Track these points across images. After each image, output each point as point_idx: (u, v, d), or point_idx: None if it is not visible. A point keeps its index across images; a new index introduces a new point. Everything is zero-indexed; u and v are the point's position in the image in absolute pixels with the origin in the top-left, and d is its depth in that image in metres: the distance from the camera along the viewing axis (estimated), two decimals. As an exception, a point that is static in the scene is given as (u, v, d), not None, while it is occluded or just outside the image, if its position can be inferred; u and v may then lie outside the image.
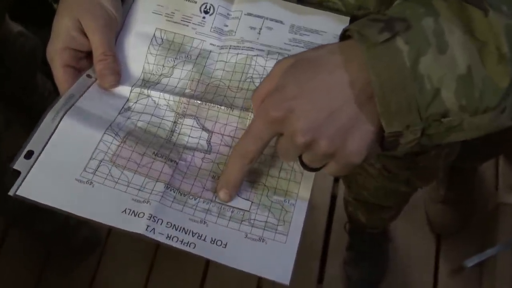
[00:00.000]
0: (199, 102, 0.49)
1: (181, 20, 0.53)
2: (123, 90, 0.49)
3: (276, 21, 0.53)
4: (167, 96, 0.49)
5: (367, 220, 1.16)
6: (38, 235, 1.31)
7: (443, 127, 0.36)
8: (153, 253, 1.38)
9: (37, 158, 0.43)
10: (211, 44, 0.53)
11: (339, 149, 0.38)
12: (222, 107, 0.48)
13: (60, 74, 0.47)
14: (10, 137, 1.34)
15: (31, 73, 1.16)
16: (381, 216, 1.13)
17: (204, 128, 0.48)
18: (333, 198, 1.42)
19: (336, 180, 1.43)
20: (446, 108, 0.35)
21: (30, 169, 0.42)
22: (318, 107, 0.37)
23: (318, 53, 0.39)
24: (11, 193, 0.41)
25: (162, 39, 0.52)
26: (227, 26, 0.54)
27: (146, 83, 0.50)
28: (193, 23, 0.53)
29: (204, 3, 0.53)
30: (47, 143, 0.44)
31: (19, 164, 0.42)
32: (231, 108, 0.48)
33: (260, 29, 0.53)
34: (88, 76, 0.49)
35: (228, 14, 0.54)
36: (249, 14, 0.53)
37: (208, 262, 1.36)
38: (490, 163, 1.41)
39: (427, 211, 1.38)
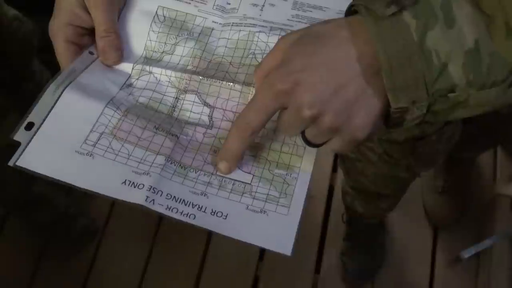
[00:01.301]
0: (201, 77, 0.49)
1: None
2: (125, 66, 0.49)
3: None
4: (169, 72, 0.49)
5: (365, 210, 1.16)
6: (37, 224, 1.31)
7: (449, 103, 0.36)
8: (151, 243, 1.38)
9: (37, 130, 0.43)
10: (213, 21, 0.53)
11: (344, 124, 0.37)
12: (224, 82, 0.48)
13: (62, 49, 0.47)
14: (7, 126, 1.34)
15: (26, 59, 1.15)
16: (378, 206, 1.13)
17: (205, 104, 0.48)
18: (331, 188, 1.42)
19: (334, 170, 1.44)
20: (453, 83, 0.35)
21: (31, 140, 0.42)
22: (325, 80, 0.37)
23: (325, 27, 0.38)
24: (11, 163, 0.41)
25: (165, 17, 0.52)
26: (229, 4, 0.54)
27: (148, 60, 0.50)
28: (195, 1, 0.53)
29: None
30: (47, 115, 0.44)
31: (19, 135, 0.42)
32: (233, 83, 0.48)
33: (263, 5, 0.53)
34: (90, 53, 0.49)
35: None
36: None
37: (206, 251, 1.36)
38: (488, 154, 1.41)
39: (424, 202, 1.38)
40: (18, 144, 0.42)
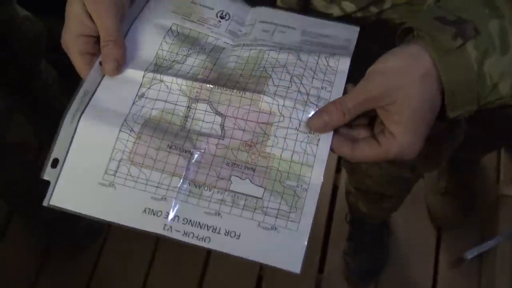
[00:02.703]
0: (212, 86, 0.49)
1: (198, 21, 0.55)
2: (136, 74, 0.50)
3: (289, 27, 0.55)
4: (179, 80, 0.50)
5: (368, 211, 1.16)
6: (41, 222, 1.31)
7: (495, 104, 0.42)
8: (154, 242, 1.39)
9: (62, 166, 0.45)
10: (225, 42, 0.54)
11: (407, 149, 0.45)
12: (235, 91, 0.49)
13: (78, 62, 0.48)
14: (14, 124, 1.35)
15: (35, 59, 1.16)
16: (382, 207, 1.13)
17: (217, 112, 0.49)
18: (335, 188, 1.42)
19: (337, 170, 1.44)
20: (501, 96, 0.41)
21: (58, 177, 0.44)
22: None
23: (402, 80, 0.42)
24: (45, 203, 0.44)
25: (178, 32, 0.53)
26: (241, 31, 0.55)
27: (159, 68, 0.51)
28: (209, 24, 0.55)
29: (220, 10, 0.55)
30: (69, 148, 0.45)
31: (48, 174, 0.45)
32: (243, 91, 0.48)
33: (273, 31, 0.54)
34: (101, 64, 0.49)
35: (242, 22, 0.56)
36: (263, 22, 0.55)
37: (209, 251, 1.36)
38: (492, 156, 1.41)
39: (427, 203, 1.38)
40: (47, 183, 0.44)
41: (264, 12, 0.56)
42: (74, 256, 1.37)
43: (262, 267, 1.34)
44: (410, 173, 0.87)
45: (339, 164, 1.44)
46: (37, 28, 1.09)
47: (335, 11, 0.55)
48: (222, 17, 0.55)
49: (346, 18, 0.55)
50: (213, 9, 0.55)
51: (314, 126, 0.45)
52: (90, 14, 0.47)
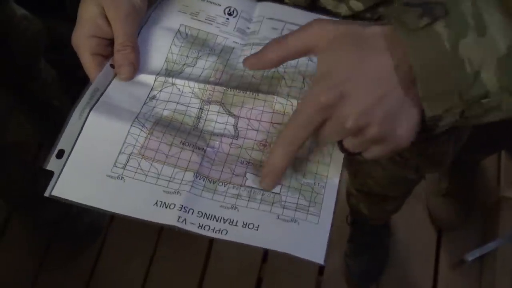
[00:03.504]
0: (224, 88, 0.49)
1: (205, 19, 0.54)
2: (147, 78, 0.50)
3: (297, 24, 0.54)
4: (192, 84, 0.49)
5: (369, 212, 1.16)
6: (41, 223, 1.31)
7: (482, 108, 0.37)
8: (154, 242, 1.38)
9: (68, 157, 0.43)
10: (234, 42, 0.53)
11: (389, 134, 0.38)
12: (248, 92, 0.48)
13: (88, 62, 0.47)
14: (13, 123, 1.34)
15: (34, 58, 1.15)
16: (383, 208, 1.13)
17: (230, 113, 0.48)
18: (335, 190, 1.41)
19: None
20: (486, 90, 0.35)
21: (63, 168, 0.43)
22: (368, 91, 0.37)
23: (363, 32, 0.38)
24: (46, 194, 0.42)
25: (187, 34, 0.53)
26: (249, 28, 0.55)
27: (170, 72, 0.50)
28: (217, 23, 0.54)
29: (228, 7, 0.55)
30: (76, 140, 0.44)
31: (52, 164, 0.43)
32: (256, 92, 0.48)
33: (282, 29, 0.54)
34: (112, 66, 0.49)
35: (250, 18, 0.55)
36: (271, 18, 0.54)
37: (209, 252, 1.36)
38: (492, 158, 1.41)
39: (428, 205, 1.38)
40: (51, 173, 0.43)
41: (271, 8, 0.55)
42: (74, 256, 1.37)
43: (261, 269, 1.34)
44: (414, 174, 0.87)
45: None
46: (35, 27, 1.08)
47: (343, 10, 0.54)
48: (229, 14, 0.54)
49: (355, 18, 0.55)
50: (220, 5, 0.55)
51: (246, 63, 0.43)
52: (108, 18, 0.47)
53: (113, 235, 1.40)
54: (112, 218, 1.41)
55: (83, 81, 0.48)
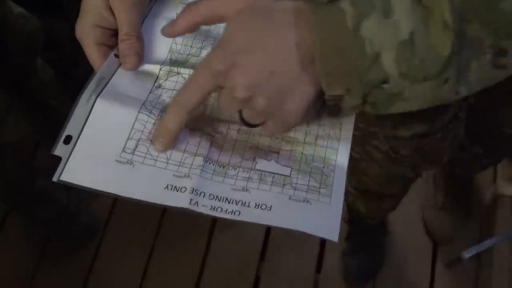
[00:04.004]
0: None
1: None
2: (152, 68, 0.50)
3: None
4: None
5: (366, 210, 1.16)
6: (39, 221, 1.31)
7: (384, 94, 0.36)
8: (152, 242, 1.38)
9: (76, 142, 0.44)
10: None
11: (276, 109, 0.38)
12: None
13: (92, 52, 0.47)
14: (11, 122, 1.34)
15: (30, 57, 1.15)
16: (380, 206, 1.13)
17: None
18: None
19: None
20: (385, 74, 0.35)
21: (71, 153, 0.43)
22: (261, 64, 0.37)
23: (272, 6, 0.38)
24: (54, 178, 0.42)
25: None
26: None
27: (175, 62, 0.51)
28: None
29: None
30: (84, 126, 0.44)
31: (59, 149, 0.43)
32: None
33: None
34: (116, 55, 0.49)
35: None
36: None
37: (207, 251, 1.37)
38: (489, 155, 1.41)
39: (424, 218, 1.38)
40: (59, 159, 0.43)
41: None
42: (72, 254, 1.37)
43: (259, 267, 1.34)
44: (410, 171, 0.87)
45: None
46: (32, 25, 1.08)
47: None
48: None
49: None
50: None
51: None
52: (113, 8, 0.47)
53: (110, 233, 1.40)
54: (110, 216, 1.41)
55: (80, 80, 0.48)
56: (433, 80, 0.35)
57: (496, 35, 0.34)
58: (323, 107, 0.40)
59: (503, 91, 0.81)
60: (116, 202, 1.41)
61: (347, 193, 1.16)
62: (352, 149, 0.94)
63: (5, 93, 1.20)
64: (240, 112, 0.42)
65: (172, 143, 0.44)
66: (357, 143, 0.88)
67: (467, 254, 1.26)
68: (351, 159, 0.96)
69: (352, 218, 1.31)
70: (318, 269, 1.34)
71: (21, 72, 1.16)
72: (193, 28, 0.43)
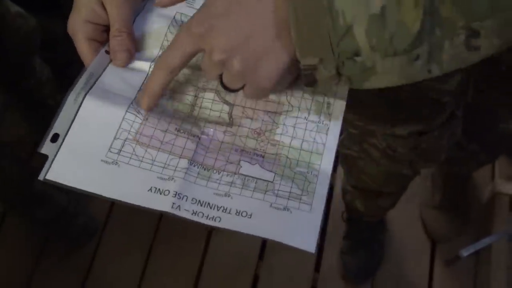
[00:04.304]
0: None
1: None
2: (143, 65, 0.50)
3: None
4: (186, 71, 0.49)
5: (365, 209, 1.16)
6: (37, 221, 1.31)
7: (358, 67, 0.37)
8: (150, 241, 1.38)
9: (63, 141, 0.43)
10: None
11: (250, 71, 0.40)
12: None
13: (83, 47, 0.48)
14: (8, 122, 1.34)
15: (28, 56, 1.15)
16: (378, 205, 1.13)
17: (225, 101, 0.48)
18: (330, 187, 1.42)
19: (333, 169, 1.43)
20: (357, 46, 0.36)
21: (57, 152, 0.43)
22: (237, 28, 0.39)
23: None
24: (40, 177, 0.42)
25: (182, 21, 0.53)
26: None
27: None
28: None
29: None
30: (71, 124, 0.44)
31: (46, 148, 0.43)
32: None
33: None
34: (107, 52, 0.49)
35: None
36: None
37: (205, 250, 1.37)
38: (487, 154, 1.41)
39: (422, 217, 1.39)
40: (45, 157, 0.42)
41: None
42: (70, 256, 1.36)
43: (258, 266, 1.34)
44: (408, 169, 0.87)
45: (335, 163, 1.43)
46: (30, 24, 1.08)
47: None
48: None
49: None
50: None
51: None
52: (105, 4, 0.47)
53: (109, 233, 1.40)
54: (108, 216, 1.41)
55: (74, 80, 0.48)
56: (403, 55, 0.36)
57: (468, 16, 0.35)
58: (299, 77, 0.42)
59: (502, 91, 0.81)
60: (114, 202, 1.40)
61: (345, 192, 1.17)
62: (349, 148, 0.95)
63: (3, 92, 1.20)
64: (220, 76, 0.43)
65: (156, 101, 0.46)
66: (354, 141, 0.88)
67: (465, 252, 1.26)
68: (349, 158, 0.97)
69: (350, 216, 1.31)
70: (317, 268, 1.35)
71: (19, 71, 1.16)
72: None
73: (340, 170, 1.37)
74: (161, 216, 1.40)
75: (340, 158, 1.01)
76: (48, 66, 1.25)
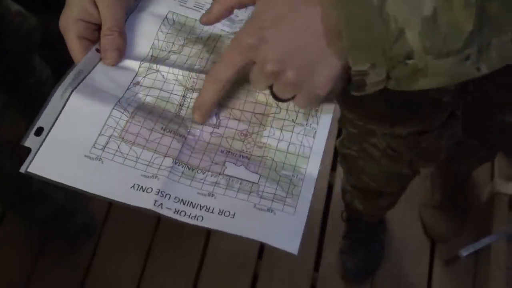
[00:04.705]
0: None
1: (194, 6, 0.54)
2: (132, 64, 0.50)
3: None
4: (176, 70, 0.49)
5: (364, 209, 1.16)
6: (36, 219, 1.30)
7: (408, 69, 0.38)
8: (150, 240, 1.38)
9: (47, 135, 0.43)
10: (221, 29, 0.53)
11: (305, 81, 0.40)
12: None
13: (74, 45, 0.47)
14: (8, 121, 1.33)
15: (28, 55, 1.14)
16: (378, 204, 1.13)
17: None
18: (330, 186, 1.42)
19: (333, 169, 1.44)
20: (410, 49, 0.36)
21: (41, 146, 0.43)
22: (289, 39, 0.39)
23: None
24: (22, 170, 0.41)
25: (174, 21, 0.53)
26: (237, 16, 0.54)
27: (155, 59, 0.50)
28: (205, 9, 0.54)
29: None
30: (56, 119, 0.44)
31: (29, 141, 0.43)
32: (240, 82, 0.48)
33: None
34: (97, 50, 0.48)
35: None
36: None
37: (205, 249, 1.36)
38: (486, 154, 1.41)
39: (421, 216, 1.38)
40: (28, 150, 0.42)
41: None
42: (69, 253, 1.36)
43: (257, 265, 1.34)
44: (408, 169, 0.87)
45: (334, 162, 1.44)
46: (30, 23, 1.08)
47: None
48: None
49: None
50: None
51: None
52: (97, 2, 0.47)
53: (108, 232, 1.39)
54: (107, 215, 1.41)
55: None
56: (455, 56, 0.36)
57: None
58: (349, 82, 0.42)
59: (499, 82, 0.81)
60: (113, 201, 1.40)
61: (345, 192, 1.17)
62: (349, 147, 0.95)
63: (3, 92, 1.20)
64: (270, 87, 0.43)
65: (209, 114, 0.47)
66: (354, 141, 0.88)
67: (464, 252, 1.26)
68: (349, 157, 0.97)
69: (350, 216, 1.31)
70: (316, 267, 1.34)
71: (19, 70, 1.16)
72: (228, 13, 0.46)
73: (340, 169, 1.36)
74: (160, 215, 1.40)
75: (339, 157, 1.01)
76: (48, 65, 1.24)
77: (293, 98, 0.43)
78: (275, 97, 0.44)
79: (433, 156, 0.83)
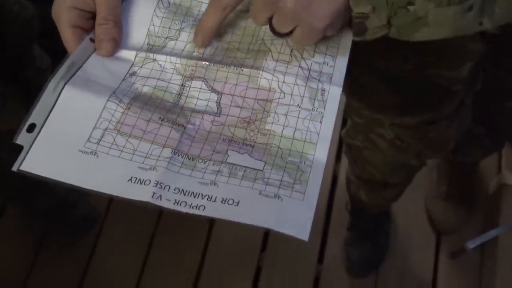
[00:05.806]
0: (207, 63, 0.47)
1: None
2: (128, 54, 0.48)
3: None
4: (173, 59, 0.48)
5: (369, 200, 1.15)
6: (37, 211, 1.30)
7: (409, 17, 0.37)
8: (152, 232, 1.37)
9: (39, 131, 0.42)
10: None
11: (304, 10, 0.39)
12: (232, 67, 0.46)
13: (67, 34, 0.46)
14: (7, 111, 1.33)
15: (26, 44, 1.13)
16: (383, 196, 1.12)
17: (213, 90, 0.46)
18: (334, 177, 1.41)
19: (337, 159, 1.42)
20: None
21: (33, 142, 0.41)
22: None
23: None
24: (14, 168, 0.40)
25: (169, 3, 0.51)
26: None
27: (152, 47, 0.49)
28: None
29: None
30: (49, 114, 0.42)
31: (22, 138, 0.41)
32: (241, 67, 0.46)
33: None
34: (91, 40, 0.47)
35: None
36: None
37: (207, 241, 1.36)
38: (494, 145, 1.40)
39: (428, 208, 1.37)
40: (20, 147, 0.41)
41: None
42: (70, 245, 1.36)
43: (260, 258, 1.33)
44: (415, 160, 0.86)
45: (339, 153, 1.42)
46: (28, 12, 1.07)
47: None
48: None
49: None
50: None
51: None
52: None
53: (109, 224, 1.39)
54: (108, 208, 1.40)
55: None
56: (457, 6, 0.36)
57: None
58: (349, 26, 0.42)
59: (507, 68, 0.80)
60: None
61: (349, 183, 1.15)
62: (354, 138, 0.93)
63: (2, 82, 1.19)
64: (270, 20, 0.42)
65: (210, 39, 0.47)
66: (360, 131, 0.87)
67: (471, 245, 1.25)
68: (354, 148, 0.95)
69: (354, 207, 1.30)
70: (320, 259, 1.34)
71: (18, 60, 1.15)
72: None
73: (344, 160, 1.35)
74: (162, 206, 1.39)
75: (344, 148, 1.00)
76: (48, 53, 1.23)
77: (291, 33, 0.42)
78: (274, 31, 0.43)
79: (441, 146, 0.82)
